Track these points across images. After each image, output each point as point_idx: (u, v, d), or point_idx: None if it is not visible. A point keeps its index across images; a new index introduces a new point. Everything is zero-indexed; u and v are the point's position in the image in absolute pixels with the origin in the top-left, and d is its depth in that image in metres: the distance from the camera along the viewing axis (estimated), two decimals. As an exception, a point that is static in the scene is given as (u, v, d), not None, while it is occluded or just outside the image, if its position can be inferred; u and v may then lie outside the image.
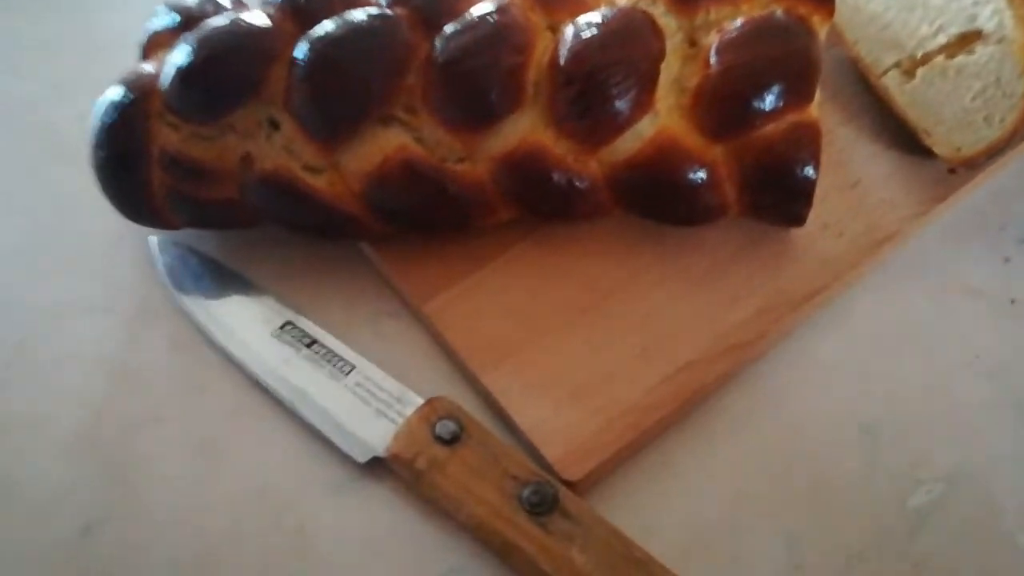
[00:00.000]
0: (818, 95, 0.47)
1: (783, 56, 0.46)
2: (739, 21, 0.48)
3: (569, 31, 0.48)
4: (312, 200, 0.50)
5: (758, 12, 0.48)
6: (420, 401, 0.45)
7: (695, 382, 0.46)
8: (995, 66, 0.49)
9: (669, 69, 0.48)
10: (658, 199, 0.49)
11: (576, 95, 0.47)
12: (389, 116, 0.49)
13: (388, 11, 0.50)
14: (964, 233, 0.51)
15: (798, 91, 0.46)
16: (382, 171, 0.49)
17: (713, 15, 0.49)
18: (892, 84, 0.53)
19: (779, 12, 0.48)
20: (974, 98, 0.50)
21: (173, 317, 0.52)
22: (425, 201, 0.50)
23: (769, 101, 0.46)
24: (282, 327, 0.50)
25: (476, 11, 0.49)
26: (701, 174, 0.47)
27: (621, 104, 0.47)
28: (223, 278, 0.53)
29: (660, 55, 0.48)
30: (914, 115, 0.52)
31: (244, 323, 0.50)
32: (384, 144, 0.49)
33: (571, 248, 0.51)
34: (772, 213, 0.48)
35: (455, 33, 0.48)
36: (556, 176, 0.49)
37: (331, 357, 0.48)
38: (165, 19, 0.54)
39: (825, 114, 0.56)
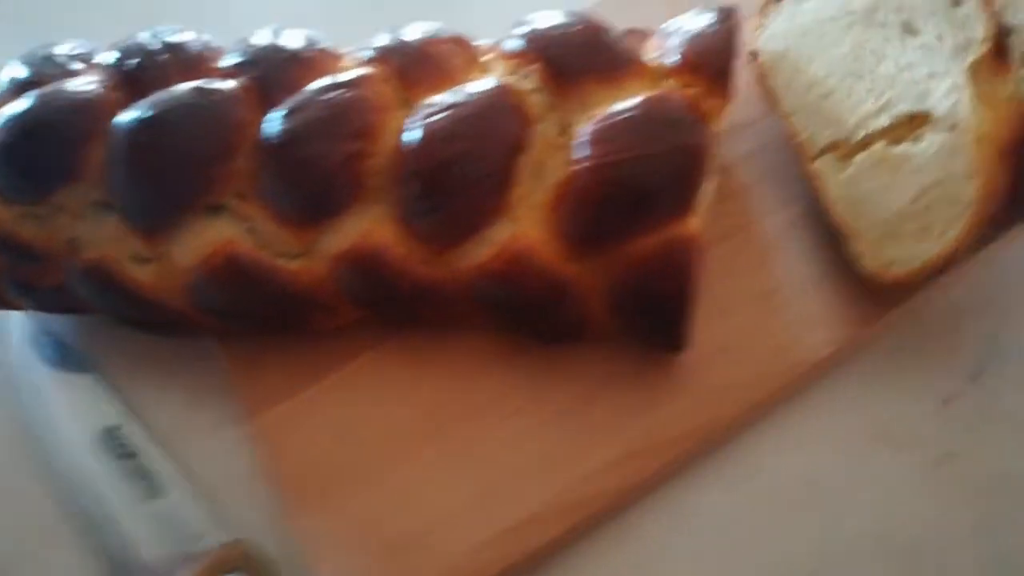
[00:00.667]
0: (707, 196, 0.39)
1: (662, 157, 0.38)
2: (618, 106, 0.39)
3: (419, 114, 0.41)
4: (135, 295, 0.44)
5: (645, 94, 0.40)
6: (218, 543, 0.40)
7: (536, 540, 0.39)
8: (943, 160, 0.39)
9: (534, 158, 0.40)
10: (513, 312, 0.41)
11: (420, 192, 0.40)
12: (218, 204, 0.43)
13: (220, 84, 0.43)
14: (898, 363, 0.42)
15: (676, 200, 0.38)
16: (207, 267, 0.43)
17: (592, 96, 0.41)
18: (825, 170, 0.44)
19: (666, 97, 0.39)
20: (915, 199, 0.40)
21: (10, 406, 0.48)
22: (255, 301, 0.43)
23: (641, 210, 0.38)
24: (106, 430, 0.45)
25: (316, 85, 0.42)
26: (559, 290, 0.40)
27: (470, 205, 0.40)
28: (68, 364, 0.48)
29: (520, 146, 0.40)
30: (844, 213, 0.43)
31: (69, 423, 0.46)
32: (212, 236, 0.43)
33: (424, 361, 0.44)
34: (644, 336, 0.40)
35: (287, 113, 0.42)
36: (398, 280, 0.42)
37: (147, 475, 0.43)
38: (5, 79, 0.49)
39: (751, 200, 0.47)
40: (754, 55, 0.49)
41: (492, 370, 0.43)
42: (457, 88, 0.42)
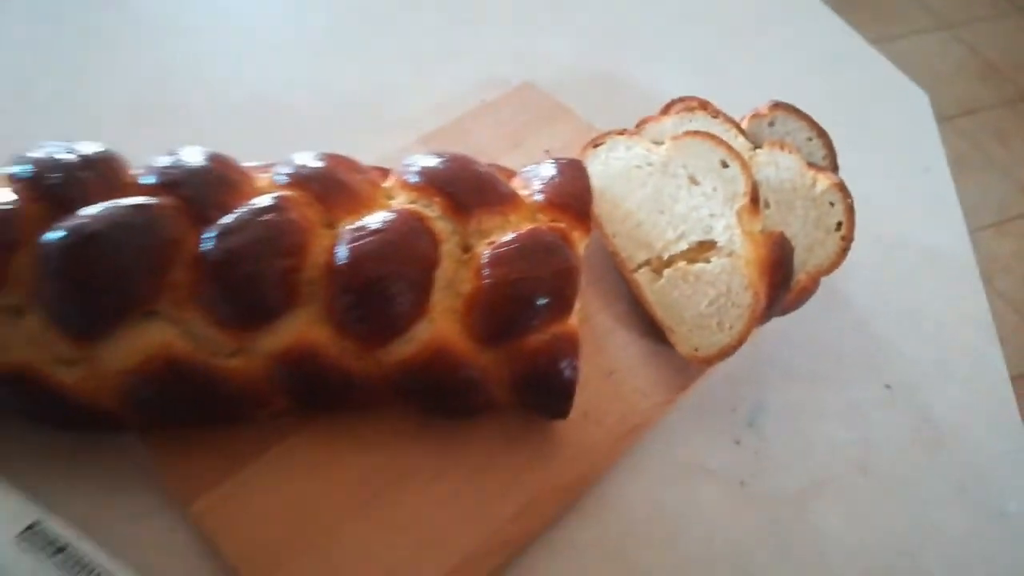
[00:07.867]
0: (578, 303, 0.51)
1: (547, 276, 0.50)
2: (509, 235, 0.51)
3: (347, 235, 0.49)
4: (59, 397, 0.46)
5: (525, 225, 0.52)
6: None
7: (465, 585, 0.48)
8: (726, 277, 0.56)
9: (444, 272, 0.50)
10: (431, 397, 0.51)
11: (353, 302, 0.48)
12: (152, 311, 0.47)
13: (152, 201, 0.48)
14: (702, 417, 0.58)
15: (559, 307, 0.50)
16: (145, 369, 0.47)
17: (485, 224, 0.52)
18: (643, 280, 0.59)
19: (543, 228, 0.52)
20: (709, 304, 0.56)
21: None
22: (193, 398, 0.48)
23: (534, 316, 0.49)
24: (28, 528, 0.45)
25: (249, 207, 0.49)
26: (472, 376, 0.50)
27: (397, 311, 0.48)
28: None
29: (435, 263, 0.50)
30: (660, 313, 0.58)
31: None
32: (147, 341, 0.47)
33: (346, 439, 0.51)
34: (539, 408, 0.52)
35: (226, 232, 0.47)
36: (332, 374, 0.49)
37: (82, 567, 0.45)
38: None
39: (588, 299, 0.61)
40: (579, 185, 0.64)
41: (408, 441, 0.52)
42: (374, 213, 0.51)
